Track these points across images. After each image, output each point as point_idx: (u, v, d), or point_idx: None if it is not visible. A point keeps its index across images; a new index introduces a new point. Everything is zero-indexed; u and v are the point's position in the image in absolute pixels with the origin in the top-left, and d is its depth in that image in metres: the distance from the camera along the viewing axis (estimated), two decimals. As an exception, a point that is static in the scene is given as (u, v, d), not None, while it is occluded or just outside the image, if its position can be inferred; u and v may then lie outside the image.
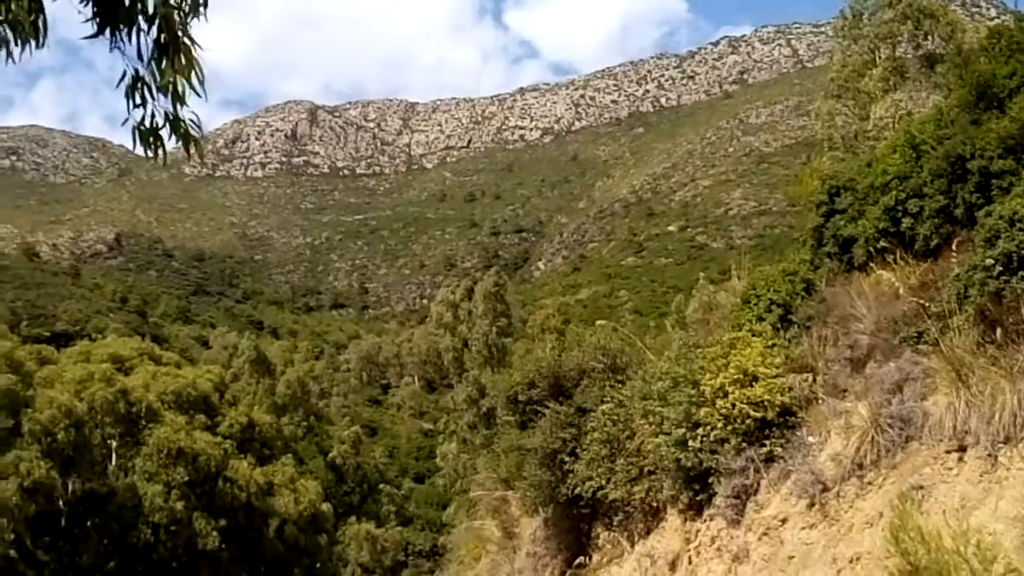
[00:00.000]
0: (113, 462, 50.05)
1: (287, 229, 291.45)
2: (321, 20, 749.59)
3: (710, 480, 14.28)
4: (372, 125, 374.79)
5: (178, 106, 4.97)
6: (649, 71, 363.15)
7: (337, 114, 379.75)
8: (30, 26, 4.80)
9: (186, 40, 4.92)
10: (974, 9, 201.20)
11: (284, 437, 73.68)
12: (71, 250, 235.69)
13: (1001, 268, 10.94)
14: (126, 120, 4.96)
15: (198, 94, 5.00)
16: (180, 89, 4.91)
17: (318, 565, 62.38)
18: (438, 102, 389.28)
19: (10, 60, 4.82)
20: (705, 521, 14.69)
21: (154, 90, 4.91)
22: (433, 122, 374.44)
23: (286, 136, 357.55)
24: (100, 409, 47.93)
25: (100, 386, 48.28)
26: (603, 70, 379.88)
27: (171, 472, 48.32)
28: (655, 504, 16.06)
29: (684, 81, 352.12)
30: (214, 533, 49.08)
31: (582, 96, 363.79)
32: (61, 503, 45.92)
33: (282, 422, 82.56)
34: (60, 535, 46.21)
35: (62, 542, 46.15)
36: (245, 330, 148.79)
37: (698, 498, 14.71)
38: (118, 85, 4.94)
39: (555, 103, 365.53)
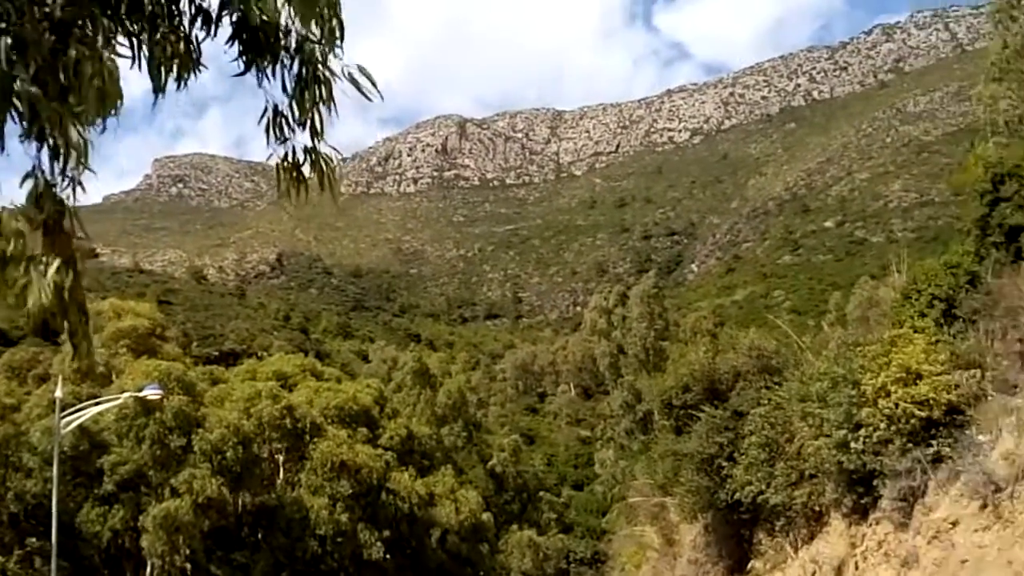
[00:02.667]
0: (280, 477, 51.58)
1: (440, 242, 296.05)
2: (474, 36, 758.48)
3: (875, 483, 13.85)
4: (520, 135, 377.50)
5: (316, 141, 5.09)
6: (800, 65, 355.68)
7: (485, 126, 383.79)
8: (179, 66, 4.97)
9: (325, 73, 5.01)
10: None
11: (444, 448, 74.71)
12: (236, 271, 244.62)
13: None
14: (271, 155, 5.11)
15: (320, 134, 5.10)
16: (318, 124, 5.04)
17: (481, 574, 62.99)
18: (585, 109, 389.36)
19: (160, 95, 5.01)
20: (871, 525, 14.25)
21: (294, 125, 5.05)
22: (581, 129, 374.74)
23: (436, 151, 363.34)
24: (267, 426, 49.47)
25: (267, 403, 49.82)
26: (752, 66, 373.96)
27: (335, 485, 49.51)
28: (818, 508, 15.66)
29: (837, 73, 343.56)
30: (378, 544, 50.07)
31: (731, 94, 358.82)
32: (233, 518, 47.51)
33: (442, 433, 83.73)
34: (233, 548, 47.81)
35: (235, 555, 47.73)
36: (403, 343, 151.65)
37: (863, 501, 14.28)
38: (260, 121, 5.08)
39: (703, 103, 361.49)
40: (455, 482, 62.00)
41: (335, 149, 5.20)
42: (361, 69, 5.05)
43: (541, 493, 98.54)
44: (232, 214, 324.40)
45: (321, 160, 5.13)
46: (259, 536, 49.07)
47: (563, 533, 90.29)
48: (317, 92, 4.98)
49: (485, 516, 61.89)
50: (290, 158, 5.08)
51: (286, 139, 5.05)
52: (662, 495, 21.31)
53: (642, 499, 23.22)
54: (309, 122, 5.02)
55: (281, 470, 51.79)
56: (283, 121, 5.04)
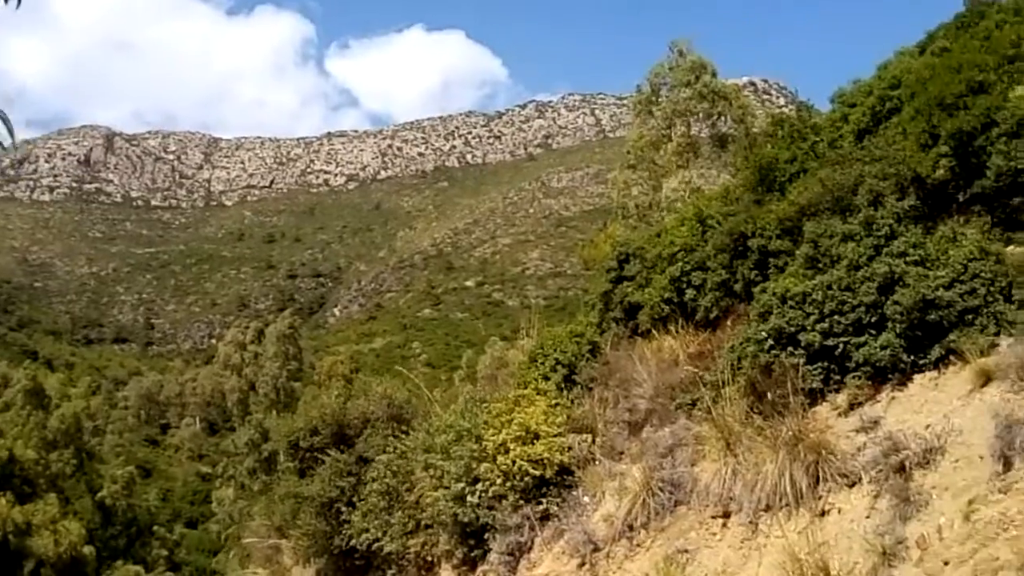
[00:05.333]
0: None
1: (72, 257, 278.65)
2: (137, 47, 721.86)
3: (486, 536, 14.26)
4: (172, 157, 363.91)
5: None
6: (457, 127, 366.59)
7: (136, 143, 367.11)
8: None
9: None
10: (765, 96, 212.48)
11: (50, 474, 69.88)
12: None
13: (772, 342, 11.44)
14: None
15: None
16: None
17: (76, 611, 59.17)
18: (243, 139, 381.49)
19: None
20: (478, 577, 14.65)
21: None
22: (236, 159, 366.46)
23: (79, 161, 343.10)
24: None
25: None
26: (412, 122, 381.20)
27: (-82, 507, 45.13)
28: (430, 558, 15.92)
29: (491, 140, 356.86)
30: (-39, 574, 46.10)
31: (390, 146, 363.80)
32: None
33: (50, 458, 78.30)
34: None
35: None
36: (17, 360, 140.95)
37: (473, 554, 14.66)
38: None
39: (362, 151, 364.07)
40: (58, 512, 58.11)
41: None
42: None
43: (154, 528, 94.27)
44: None
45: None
46: None
47: (172, 571, 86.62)
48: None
49: (87, 549, 58.39)
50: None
51: None
52: (278, 537, 20.93)
53: (257, 540, 22.70)
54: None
55: None
56: None
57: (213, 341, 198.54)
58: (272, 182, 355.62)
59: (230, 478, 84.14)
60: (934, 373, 10.46)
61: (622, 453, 13.74)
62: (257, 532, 23.06)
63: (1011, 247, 11.04)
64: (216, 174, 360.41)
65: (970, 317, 10.34)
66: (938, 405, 9.98)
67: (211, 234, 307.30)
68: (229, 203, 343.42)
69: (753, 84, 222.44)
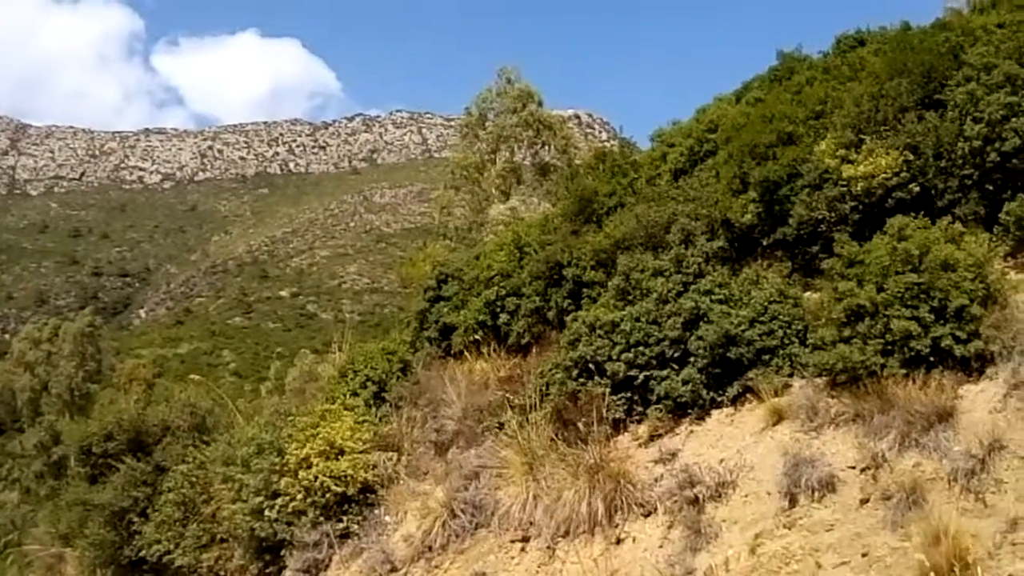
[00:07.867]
0: None
1: None
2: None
3: (282, 552, 14.03)
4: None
5: None
6: (281, 134, 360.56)
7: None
8: None
9: None
10: (588, 130, 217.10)
11: None
12: None
13: (579, 370, 11.66)
14: None
15: None
16: None
17: None
18: (53, 128, 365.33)
19: None
20: (271, 595, 14.39)
21: None
22: (45, 148, 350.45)
23: None
24: None
25: None
26: (235, 125, 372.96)
27: None
28: (223, 573, 15.55)
29: (315, 150, 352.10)
30: None
31: (210, 147, 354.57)
32: None
33: None
34: None
35: None
36: None
37: (268, 570, 14.40)
38: None
39: (181, 150, 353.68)
40: None
41: None
42: None
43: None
44: None
45: None
46: None
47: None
48: None
49: None
50: None
51: None
52: (63, 546, 20.09)
53: (40, 548, 21.73)
54: None
55: None
56: None
57: (7, 336, 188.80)
58: (83, 175, 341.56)
59: (15, 481, 79.82)
60: (731, 409, 10.85)
61: (427, 473, 13.75)
62: (40, 539, 22.09)
63: (808, 292, 11.57)
64: (22, 161, 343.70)
65: (767, 357, 10.78)
66: (733, 441, 10.36)
67: (12, 224, 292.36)
68: (34, 193, 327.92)
69: (578, 117, 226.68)
